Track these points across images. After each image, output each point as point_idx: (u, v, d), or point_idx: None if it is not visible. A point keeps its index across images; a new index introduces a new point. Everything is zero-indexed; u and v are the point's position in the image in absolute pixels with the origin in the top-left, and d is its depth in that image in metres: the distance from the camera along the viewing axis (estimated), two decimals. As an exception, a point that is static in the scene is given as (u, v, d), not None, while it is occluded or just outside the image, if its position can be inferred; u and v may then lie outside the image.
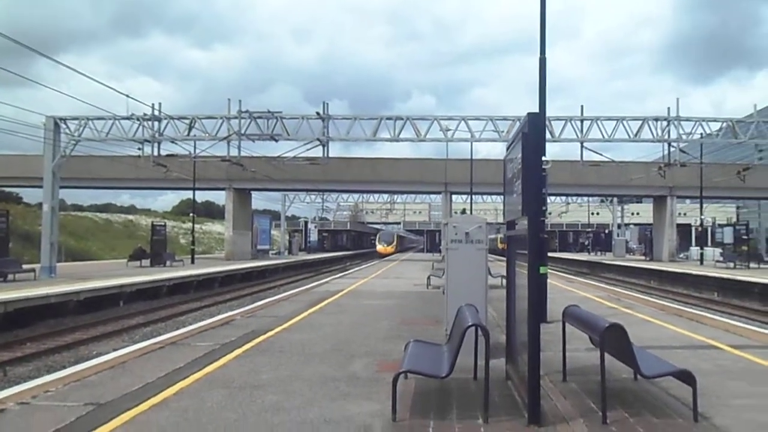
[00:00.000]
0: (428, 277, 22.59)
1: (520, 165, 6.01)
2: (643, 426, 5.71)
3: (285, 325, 12.44)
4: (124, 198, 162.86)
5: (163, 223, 44.29)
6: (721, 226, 52.54)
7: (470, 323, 5.98)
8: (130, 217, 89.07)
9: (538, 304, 5.73)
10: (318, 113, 30.98)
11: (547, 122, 26.58)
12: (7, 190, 74.72)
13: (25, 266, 26.65)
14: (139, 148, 32.32)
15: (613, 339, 6.00)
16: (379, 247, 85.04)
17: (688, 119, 30.44)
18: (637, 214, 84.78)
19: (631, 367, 6.14)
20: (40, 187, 30.55)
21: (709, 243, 54.30)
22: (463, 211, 51.63)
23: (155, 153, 31.95)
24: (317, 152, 31.66)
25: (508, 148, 7.39)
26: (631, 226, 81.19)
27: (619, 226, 72.98)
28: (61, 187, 33.06)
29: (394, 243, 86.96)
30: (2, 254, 25.67)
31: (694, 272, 33.09)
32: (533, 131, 5.72)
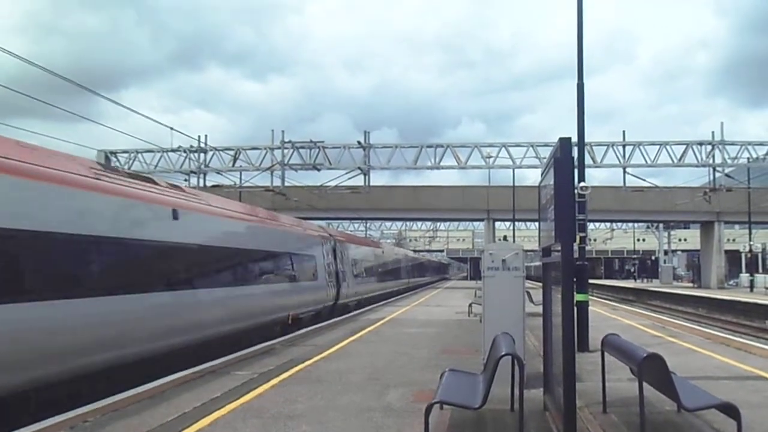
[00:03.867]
0: (470, 305, 22.38)
1: (553, 191, 5.95)
2: (684, 460, 5.52)
3: (324, 354, 12.43)
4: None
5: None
6: (771, 251, 51.19)
7: (504, 353, 5.89)
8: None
9: (573, 332, 5.59)
10: (359, 142, 31.23)
11: (588, 148, 26.34)
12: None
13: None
14: (185, 180, 32.98)
15: (652, 369, 5.84)
16: None
17: (733, 143, 29.89)
18: (684, 240, 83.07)
19: (672, 398, 5.95)
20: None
21: (760, 269, 52.87)
22: (504, 238, 51.17)
23: (201, 184, 32.54)
24: (359, 180, 31.89)
25: (542, 175, 7.33)
26: (679, 252, 79.48)
27: (665, 253, 71.51)
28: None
29: None
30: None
31: (743, 299, 32.17)
32: (564, 156, 5.65)
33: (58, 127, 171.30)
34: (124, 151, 33.93)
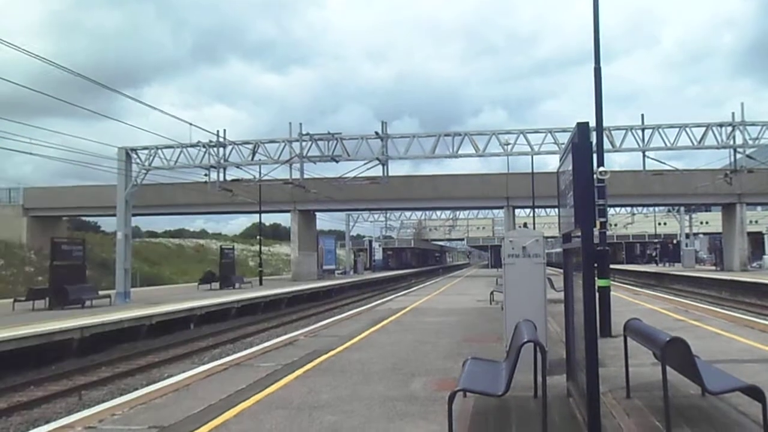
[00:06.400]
0: (491, 293, 22.39)
1: (572, 176, 5.94)
2: (709, 443, 5.52)
3: (346, 345, 12.52)
4: (197, 223, 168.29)
5: (231, 247, 45.13)
6: (795, 233, 50.41)
7: (526, 339, 5.90)
8: (201, 241, 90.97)
9: (595, 318, 5.59)
10: (377, 132, 31.14)
11: (606, 132, 26.13)
12: (86, 219, 77.88)
13: (101, 292, 27.44)
14: (205, 174, 33.08)
15: (675, 353, 5.83)
16: None
17: (754, 123, 29.38)
18: (706, 223, 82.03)
19: (696, 382, 5.93)
20: (115, 215, 31.66)
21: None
22: (525, 225, 50.94)
23: (221, 178, 32.64)
24: (378, 171, 31.77)
25: (560, 160, 7.31)
26: (701, 235, 78.59)
27: (687, 236, 70.80)
28: (135, 215, 34.28)
29: None
30: (80, 281, 26.53)
31: (767, 281, 31.83)
32: (582, 141, 5.64)
33: (81, 124, 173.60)
34: (144, 148, 34.08)
